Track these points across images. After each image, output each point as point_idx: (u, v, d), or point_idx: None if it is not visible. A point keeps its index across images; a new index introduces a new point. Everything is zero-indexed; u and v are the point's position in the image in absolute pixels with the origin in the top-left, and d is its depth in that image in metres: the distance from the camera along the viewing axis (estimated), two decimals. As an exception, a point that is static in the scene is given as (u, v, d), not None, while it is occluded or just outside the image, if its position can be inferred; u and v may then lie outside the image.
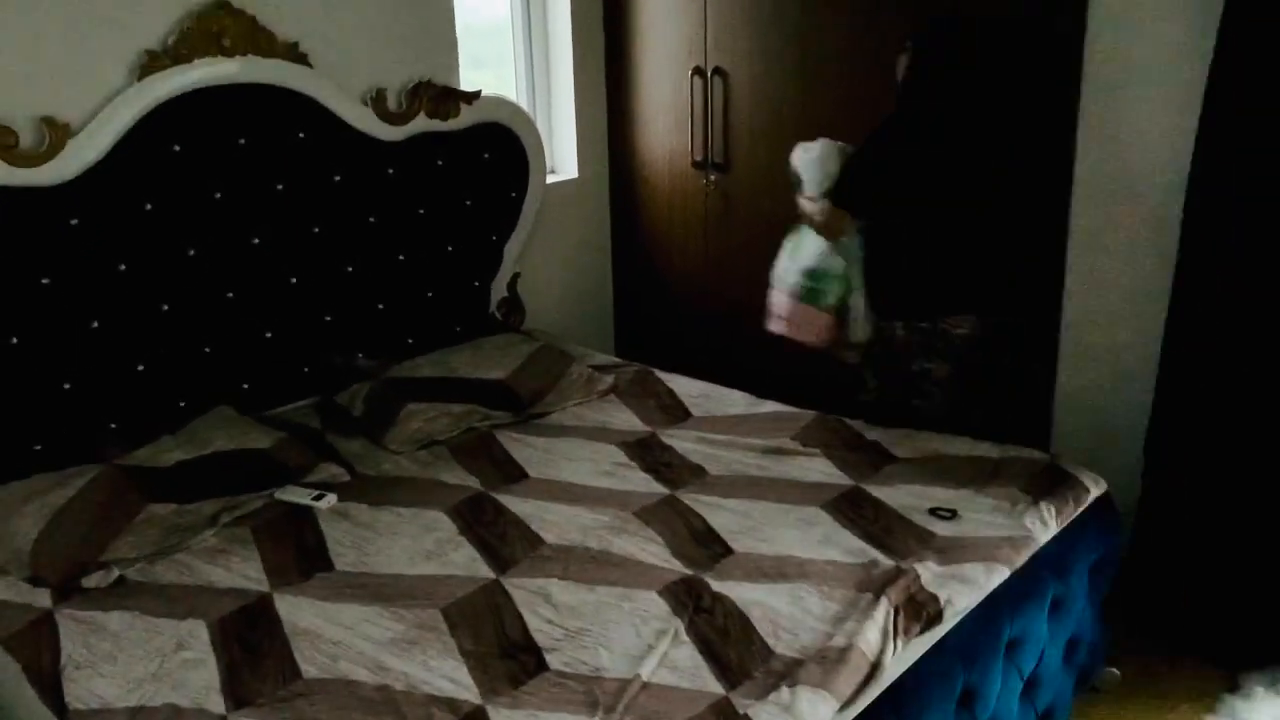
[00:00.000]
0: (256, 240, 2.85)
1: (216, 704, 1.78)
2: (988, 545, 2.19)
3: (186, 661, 1.89)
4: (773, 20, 3.31)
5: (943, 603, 2.00)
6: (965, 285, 2.79)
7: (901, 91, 2.78)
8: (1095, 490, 2.46)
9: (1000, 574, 2.13)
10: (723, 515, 2.35)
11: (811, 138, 3.29)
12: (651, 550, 2.22)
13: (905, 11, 3.01)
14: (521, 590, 2.07)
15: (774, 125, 3.40)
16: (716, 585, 2.06)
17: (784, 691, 1.74)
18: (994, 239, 2.78)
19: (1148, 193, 2.75)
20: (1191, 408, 2.65)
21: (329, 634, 1.95)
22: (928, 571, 2.08)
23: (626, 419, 2.93)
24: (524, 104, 3.70)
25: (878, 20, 3.09)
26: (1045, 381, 3.05)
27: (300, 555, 2.24)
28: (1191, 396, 2.64)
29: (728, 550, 2.22)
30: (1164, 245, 2.68)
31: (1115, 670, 2.64)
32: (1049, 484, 2.42)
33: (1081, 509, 2.40)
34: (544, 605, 2.02)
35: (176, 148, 2.66)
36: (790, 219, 3.42)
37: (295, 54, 2.84)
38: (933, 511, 2.33)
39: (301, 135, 2.89)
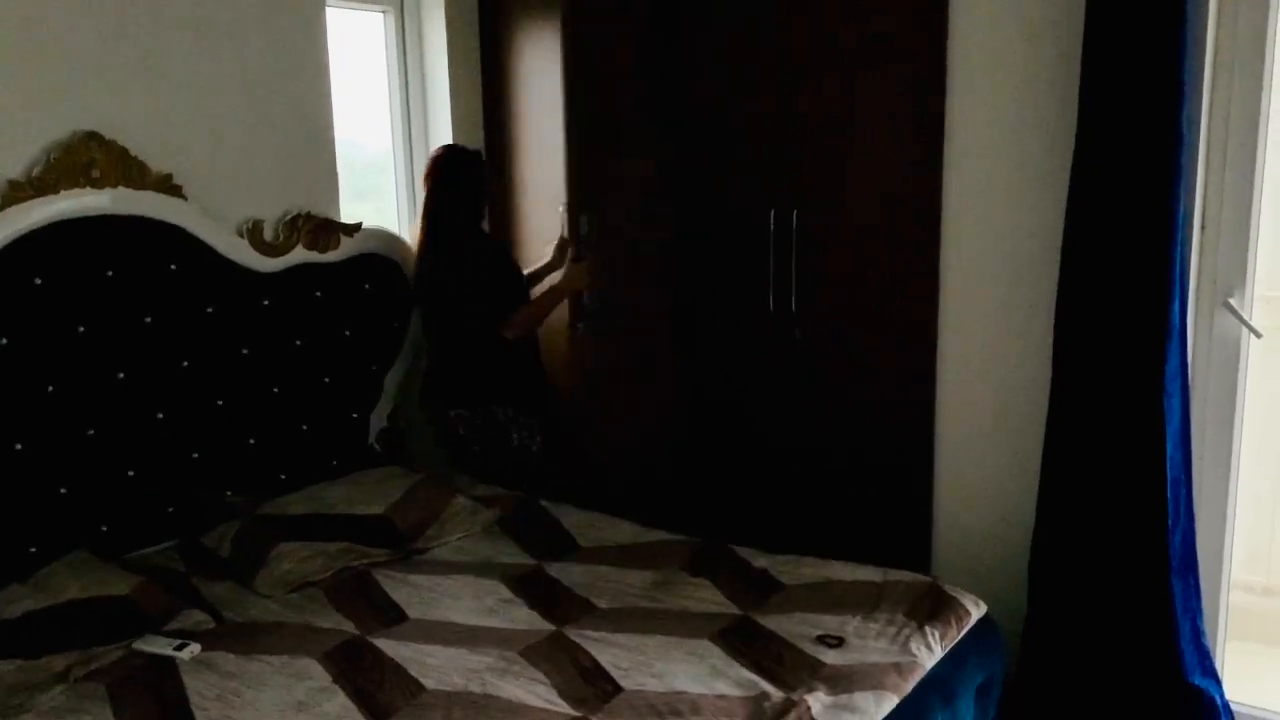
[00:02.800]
0: (122, 375, 2.73)
1: None
2: (876, 672, 2.19)
3: (24, 840, 1.71)
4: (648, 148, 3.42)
5: (833, 737, 1.98)
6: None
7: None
8: (977, 612, 2.50)
9: (889, 702, 2.12)
10: (611, 651, 2.30)
11: (691, 274, 3.40)
12: (538, 692, 2.14)
13: (780, 157, 3.16)
14: (400, 741, 1.97)
15: (651, 261, 3.48)
16: (606, 727, 2.00)
17: (677, 839, 1.67)
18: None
19: (1017, 312, 2.90)
20: (1071, 533, 2.73)
21: (188, 800, 1.81)
22: (818, 703, 2.06)
23: (511, 552, 2.87)
24: (405, 234, 3.70)
25: (753, 163, 3.23)
26: (923, 501, 3.12)
27: (160, 712, 2.08)
28: (1070, 522, 2.73)
29: (617, 688, 2.16)
30: (1038, 364, 2.81)
31: (1005, 794, 2.64)
32: (932, 607, 2.45)
33: (965, 632, 2.43)
34: (425, 756, 1.92)
35: (38, 280, 2.56)
36: (670, 355, 3.50)
37: (168, 186, 2.79)
38: (821, 639, 2.33)
39: (173, 267, 2.82)
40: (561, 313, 3.39)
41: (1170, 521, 2.59)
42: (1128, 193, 2.49)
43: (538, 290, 3.42)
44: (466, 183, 3.25)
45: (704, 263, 3.35)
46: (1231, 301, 2.64)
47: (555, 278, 3.41)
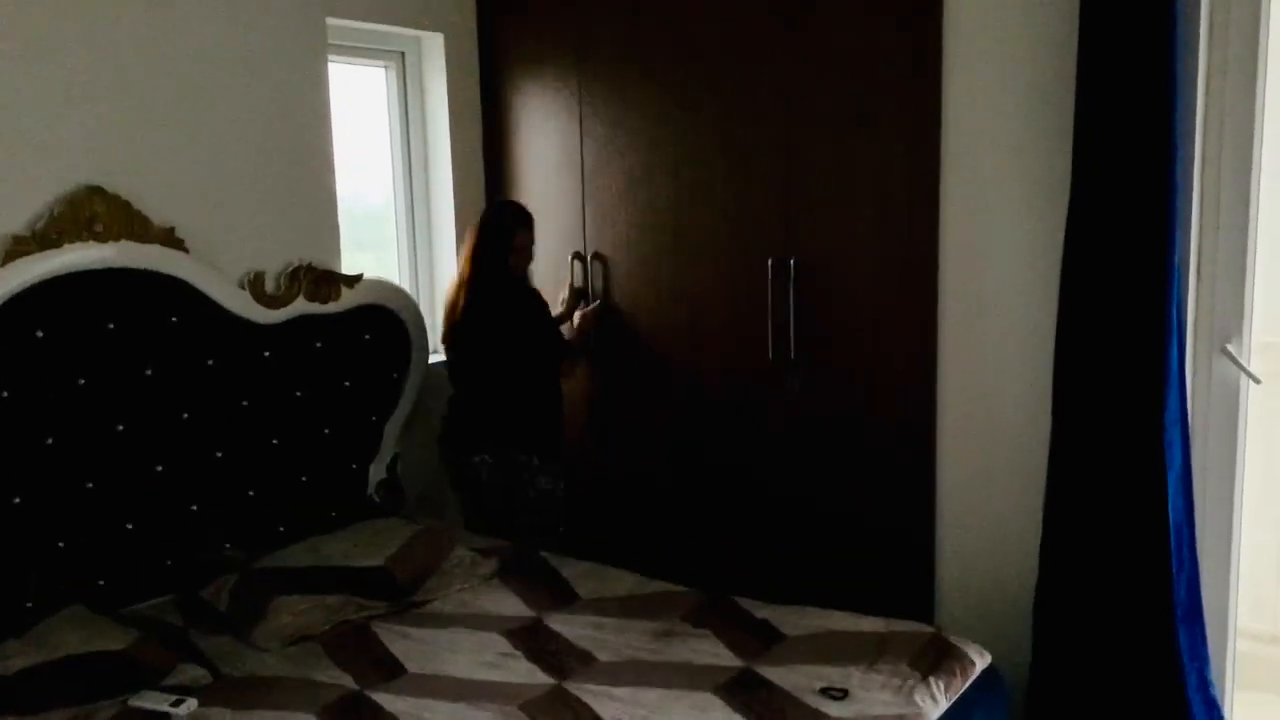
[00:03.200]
0: (121, 427, 2.73)
1: None
2: (881, 726, 2.17)
3: None
4: (644, 211, 3.45)
5: (839, 791, 1.95)
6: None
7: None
8: (981, 662, 2.48)
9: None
10: (612, 706, 2.27)
11: (691, 320, 3.42)
12: (538, 747, 2.11)
13: (778, 206, 3.19)
14: (399, 799, 1.94)
15: (652, 309, 3.50)
16: (607, 783, 1.97)
17: None
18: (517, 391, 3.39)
19: (1016, 361, 2.91)
20: (1074, 581, 2.71)
21: None
22: (822, 757, 2.03)
23: (511, 604, 2.84)
24: (406, 284, 3.73)
25: (751, 210, 3.25)
26: (925, 550, 3.11)
27: (154, 770, 2.06)
28: (1074, 571, 2.71)
29: (618, 743, 2.13)
30: (1038, 413, 2.81)
31: None
32: (935, 658, 2.42)
33: (970, 682, 2.41)
34: (423, 815, 1.89)
35: (40, 333, 2.57)
36: (670, 399, 3.50)
37: (171, 239, 2.81)
38: (824, 691, 2.30)
39: (174, 319, 2.83)
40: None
41: (1174, 568, 2.57)
42: (1123, 240, 2.50)
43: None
44: (518, 235, 3.38)
45: (703, 310, 3.36)
46: (1229, 348, 2.65)
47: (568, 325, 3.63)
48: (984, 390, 2.97)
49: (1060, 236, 2.61)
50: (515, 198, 3.78)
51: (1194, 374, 2.68)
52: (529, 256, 3.44)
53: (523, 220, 3.41)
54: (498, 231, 3.35)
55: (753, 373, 3.28)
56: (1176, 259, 2.49)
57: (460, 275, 3.37)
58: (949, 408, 3.02)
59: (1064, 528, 2.71)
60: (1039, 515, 2.77)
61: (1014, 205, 2.83)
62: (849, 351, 3.13)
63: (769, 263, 3.17)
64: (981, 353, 2.95)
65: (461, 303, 3.34)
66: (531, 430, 3.40)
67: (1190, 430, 2.63)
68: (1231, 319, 2.65)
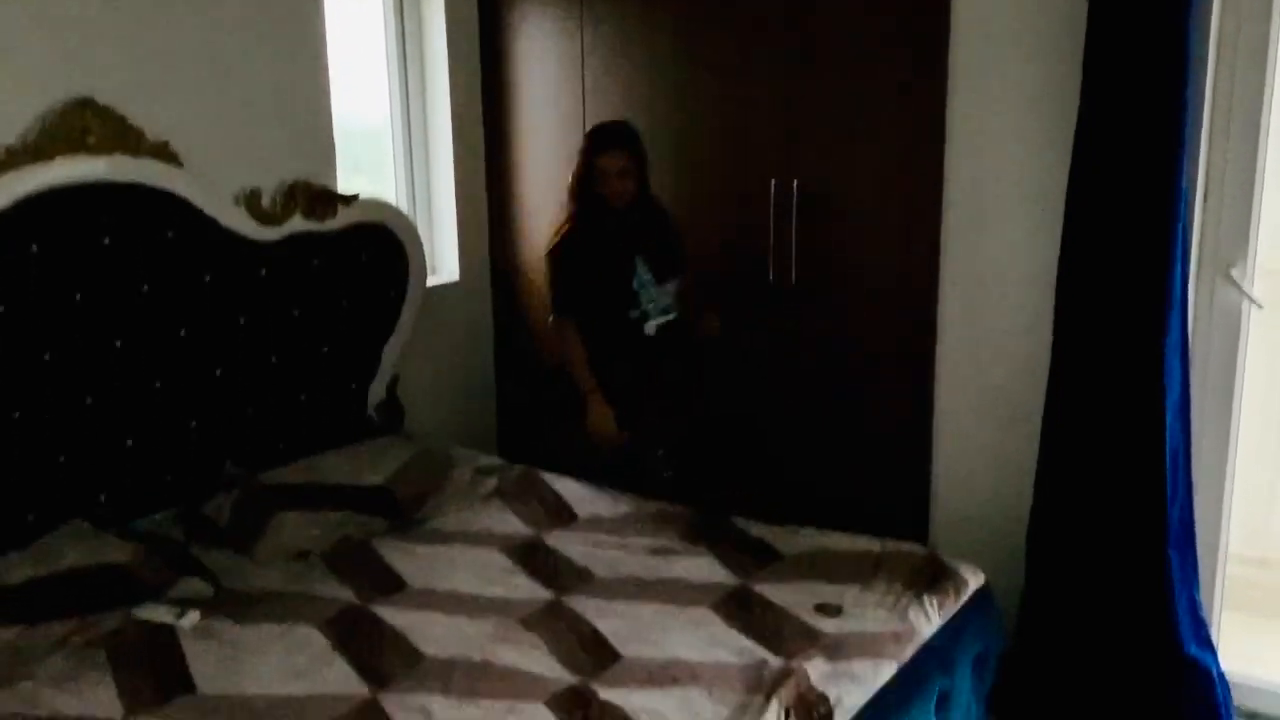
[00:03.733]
0: (119, 343, 2.72)
1: None
2: (874, 641, 2.20)
3: (25, 803, 1.72)
4: (650, 127, 3.39)
5: (833, 701, 1.99)
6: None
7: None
8: (975, 582, 2.51)
9: (888, 669, 2.14)
10: (610, 620, 2.30)
11: (692, 242, 3.38)
12: (537, 659, 2.15)
13: (780, 122, 3.14)
14: (400, 708, 1.97)
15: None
16: (604, 693, 2.00)
17: (676, 802, 1.68)
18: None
19: (1016, 284, 2.90)
20: (1069, 503, 2.73)
21: (189, 764, 1.81)
22: (816, 670, 2.07)
23: (511, 523, 2.87)
24: (404, 206, 3.69)
25: (753, 129, 3.21)
26: (921, 474, 3.12)
27: (159, 678, 2.09)
28: (1069, 493, 2.73)
29: (615, 656, 2.16)
30: (1037, 339, 2.80)
31: (1000, 764, 2.66)
32: (930, 577, 2.45)
33: (963, 602, 2.44)
34: (424, 722, 1.92)
35: (34, 248, 2.54)
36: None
37: (165, 153, 2.77)
38: (818, 608, 2.33)
39: (170, 235, 2.80)
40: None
41: (1169, 494, 2.59)
42: (1130, 162, 2.47)
43: None
44: (601, 158, 3.00)
45: (706, 233, 3.33)
46: (1233, 273, 2.63)
47: None
48: (984, 314, 2.96)
49: (1067, 157, 2.58)
50: (514, 119, 3.72)
51: (1196, 299, 2.67)
52: (625, 185, 2.99)
53: (607, 140, 3.01)
54: (580, 157, 3.03)
55: (753, 295, 3.27)
56: (1184, 181, 2.46)
57: (571, 201, 3.08)
58: (949, 331, 3.02)
59: (1061, 452, 2.72)
60: (1036, 440, 2.78)
61: (1021, 123, 2.79)
62: (849, 274, 3.12)
63: (771, 185, 3.14)
64: (983, 277, 2.94)
65: (551, 243, 3.09)
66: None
67: (1190, 356, 2.63)
68: (1236, 244, 2.63)
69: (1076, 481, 2.70)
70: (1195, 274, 2.65)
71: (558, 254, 3.07)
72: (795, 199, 3.12)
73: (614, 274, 3.06)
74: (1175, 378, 2.56)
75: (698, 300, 3.21)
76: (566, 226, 3.07)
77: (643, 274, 3.06)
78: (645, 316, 3.08)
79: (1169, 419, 2.55)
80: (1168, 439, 2.55)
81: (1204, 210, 2.63)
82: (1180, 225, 2.48)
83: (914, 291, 3.02)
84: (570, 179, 3.05)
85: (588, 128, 3.29)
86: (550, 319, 3.14)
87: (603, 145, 3.00)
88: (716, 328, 3.21)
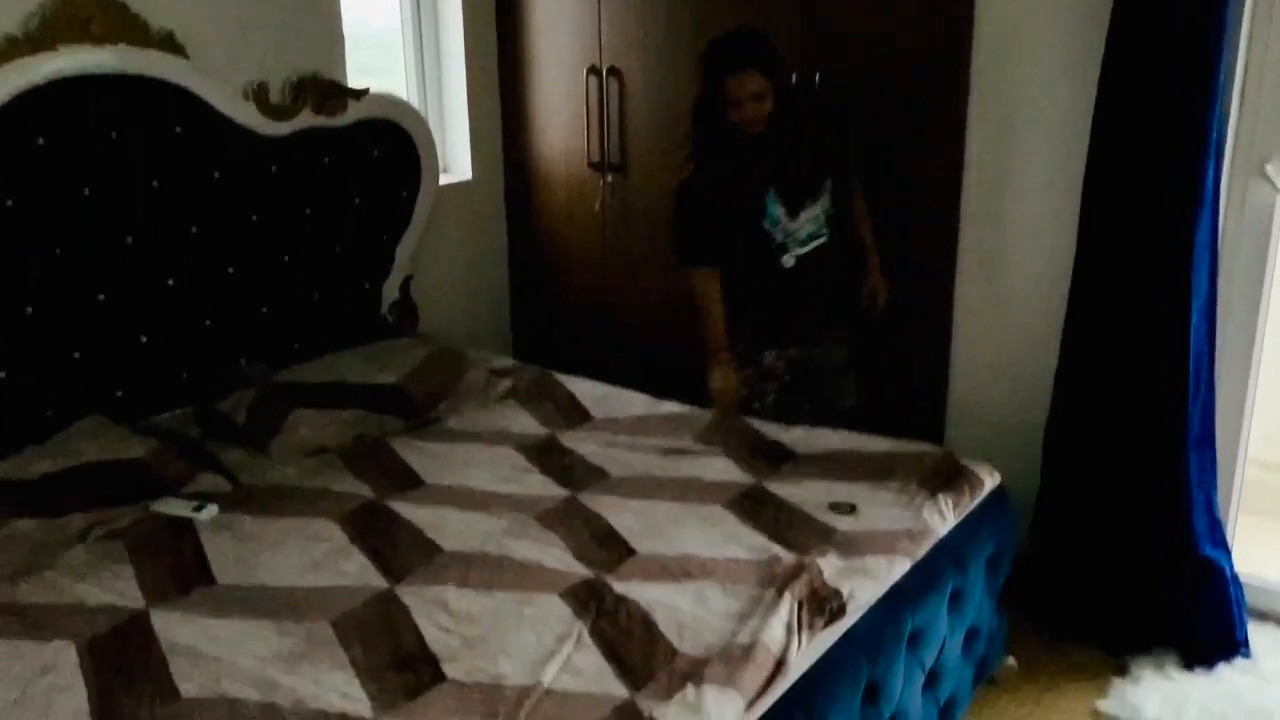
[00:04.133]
0: (130, 240, 2.69)
1: (85, 730, 1.66)
2: (888, 538, 2.20)
3: (52, 686, 1.75)
4: (667, 19, 3.30)
5: (845, 596, 1.99)
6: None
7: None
8: (990, 482, 2.50)
9: (901, 566, 2.14)
10: (624, 516, 2.31)
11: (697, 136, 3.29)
12: (552, 554, 2.16)
13: (799, 12, 3.03)
14: (417, 599, 1.99)
15: (670, 126, 3.37)
16: (619, 587, 2.02)
17: (689, 691, 1.70)
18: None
19: (1041, 179, 2.83)
20: (1088, 404, 2.71)
21: (210, 651, 1.84)
22: (829, 566, 2.07)
23: (525, 422, 2.87)
24: (415, 104, 3.61)
25: (772, 21, 3.10)
26: (938, 374, 3.10)
27: (179, 570, 2.11)
28: (1088, 393, 2.70)
29: (630, 551, 2.17)
30: (1061, 236, 2.75)
31: (1012, 660, 2.69)
32: (945, 477, 2.44)
33: (977, 501, 2.43)
34: (441, 613, 1.94)
35: (41, 140, 2.50)
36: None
37: (171, 44, 2.70)
38: (833, 506, 2.33)
39: (178, 129, 2.75)
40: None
41: (1191, 395, 2.56)
42: (1168, 50, 2.37)
43: None
44: (730, 80, 2.61)
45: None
46: (1268, 169, 2.55)
47: None
48: (1007, 210, 2.89)
49: (1102, 43, 2.48)
50: (527, 14, 3.60)
51: (1228, 196, 2.60)
52: (761, 109, 2.61)
53: (736, 59, 2.57)
54: (702, 81, 2.65)
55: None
56: (1223, 71, 2.37)
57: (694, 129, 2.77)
58: (970, 227, 2.95)
59: (1082, 352, 2.68)
60: (1056, 340, 2.74)
61: (1056, 8, 2.68)
62: (869, 167, 3.04)
63: (793, 77, 3.05)
64: (1009, 167, 2.86)
65: (682, 178, 2.80)
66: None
67: (1219, 256, 2.57)
68: (1273, 137, 2.54)
69: (1097, 381, 2.67)
70: (1229, 170, 2.57)
71: (683, 198, 2.77)
72: (816, 90, 3.03)
73: (744, 213, 2.75)
74: (1203, 278, 2.51)
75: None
76: (690, 166, 2.76)
77: (774, 209, 2.73)
78: (783, 249, 2.78)
79: (1195, 320, 2.50)
80: (1192, 340, 2.51)
81: (1241, 103, 2.54)
82: (1216, 118, 2.39)
83: (935, 187, 2.95)
84: (692, 105, 2.72)
85: (604, 29, 3.17)
86: (681, 268, 2.85)
87: (730, 66, 2.56)
88: (880, 300, 2.97)
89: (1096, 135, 2.53)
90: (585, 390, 3.06)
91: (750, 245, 2.78)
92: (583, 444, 2.72)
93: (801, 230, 2.78)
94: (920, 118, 2.94)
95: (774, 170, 2.74)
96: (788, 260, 2.79)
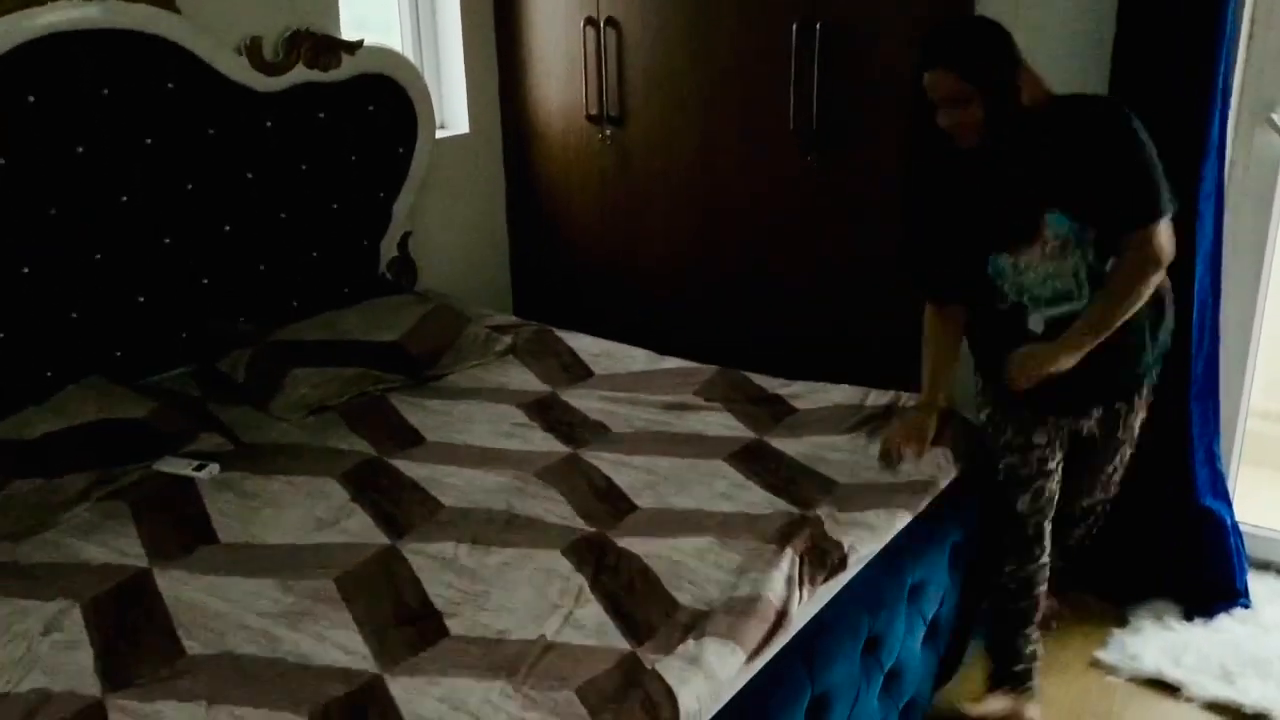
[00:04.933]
0: (125, 198, 2.67)
1: (91, 686, 1.67)
2: (889, 491, 2.20)
3: (57, 644, 1.76)
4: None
5: (846, 549, 2.00)
6: None
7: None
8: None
9: (902, 519, 2.14)
10: (626, 472, 2.31)
11: (709, 91, 3.26)
12: (554, 510, 2.16)
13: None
14: (419, 555, 2.00)
15: (669, 78, 3.34)
16: (621, 542, 2.02)
17: (691, 644, 1.71)
18: None
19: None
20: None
21: (214, 608, 1.85)
22: (831, 519, 2.08)
23: (526, 379, 2.86)
24: (411, 58, 3.56)
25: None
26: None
27: (181, 529, 2.12)
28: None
29: (631, 507, 2.18)
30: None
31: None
32: (942, 426, 2.44)
33: (977, 453, 2.43)
34: (443, 570, 1.95)
35: (31, 98, 2.47)
36: (686, 172, 3.40)
37: (162, -1, 2.66)
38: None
39: (171, 85, 2.71)
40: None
41: (1194, 347, 2.55)
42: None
43: None
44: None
45: (724, 79, 3.21)
46: (1275, 117, 2.52)
47: None
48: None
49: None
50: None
51: (1233, 145, 2.57)
52: (961, 118, 2.07)
53: (927, 53, 2.08)
54: (911, 89, 2.13)
55: (773, 143, 3.16)
56: (1230, 18, 2.33)
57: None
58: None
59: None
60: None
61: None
62: (874, 121, 3.00)
63: (794, 27, 3.00)
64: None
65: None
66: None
67: (1224, 206, 2.54)
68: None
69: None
70: (1234, 118, 2.53)
71: (899, 191, 2.34)
72: (818, 41, 2.98)
73: (956, 247, 2.25)
74: (1208, 227, 2.49)
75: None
76: (904, 158, 2.32)
77: (998, 258, 2.18)
78: (1021, 308, 2.20)
79: (1199, 270, 2.48)
80: (1196, 290, 2.49)
81: (1248, 50, 2.50)
82: (1223, 66, 2.36)
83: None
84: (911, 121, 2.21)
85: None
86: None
87: (923, 60, 2.09)
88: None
89: (1110, 83, 2.50)
90: (585, 346, 3.05)
91: (980, 293, 2.27)
92: (584, 400, 2.71)
93: (1038, 287, 2.16)
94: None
95: (985, 200, 2.17)
96: (1034, 324, 2.19)
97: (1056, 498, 2.35)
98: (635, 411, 2.64)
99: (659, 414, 2.62)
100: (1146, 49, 2.41)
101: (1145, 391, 2.31)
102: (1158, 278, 2.09)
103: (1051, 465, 2.31)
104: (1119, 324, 2.10)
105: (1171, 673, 2.52)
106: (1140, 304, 2.10)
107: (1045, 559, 2.36)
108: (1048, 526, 2.35)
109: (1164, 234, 2.05)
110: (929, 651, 2.27)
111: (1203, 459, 2.64)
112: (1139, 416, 2.34)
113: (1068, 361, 2.12)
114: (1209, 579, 2.69)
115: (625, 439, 2.50)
